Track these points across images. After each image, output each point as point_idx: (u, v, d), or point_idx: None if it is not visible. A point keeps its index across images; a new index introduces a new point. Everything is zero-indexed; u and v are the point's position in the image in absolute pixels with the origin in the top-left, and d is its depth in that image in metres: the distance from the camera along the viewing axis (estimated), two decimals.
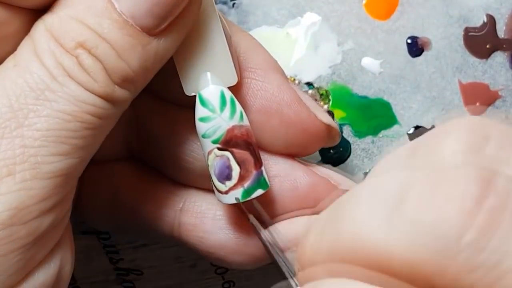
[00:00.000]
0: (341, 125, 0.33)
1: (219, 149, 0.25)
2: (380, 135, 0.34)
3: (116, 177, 0.29)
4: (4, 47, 0.23)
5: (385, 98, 0.33)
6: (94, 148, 0.23)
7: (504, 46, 0.33)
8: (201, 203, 0.28)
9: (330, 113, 0.32)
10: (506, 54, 0.33)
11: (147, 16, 0.22)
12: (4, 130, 0.21)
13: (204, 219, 0.28)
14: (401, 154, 0.19)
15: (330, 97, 0.32)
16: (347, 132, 0.33)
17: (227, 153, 0.25)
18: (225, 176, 0.25)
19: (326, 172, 0.28)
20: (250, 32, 0.33)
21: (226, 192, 0.25)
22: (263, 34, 0.33)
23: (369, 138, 0.34)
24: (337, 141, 0.29)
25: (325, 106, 0.32)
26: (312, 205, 0.27)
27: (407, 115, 0.33)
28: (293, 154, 0.28)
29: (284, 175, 0.27)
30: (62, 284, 0.24)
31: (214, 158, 0.25)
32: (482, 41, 0.33)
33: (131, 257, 0.35)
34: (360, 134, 0.33)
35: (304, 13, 0.33)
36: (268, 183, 0.26)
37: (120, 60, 0.22)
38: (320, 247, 0.18)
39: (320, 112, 0.27)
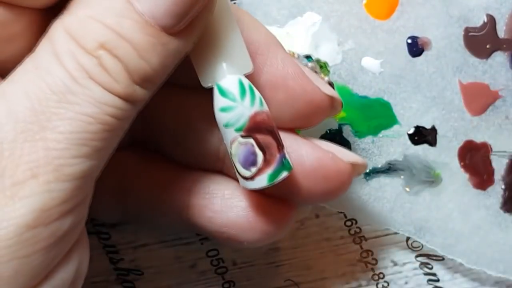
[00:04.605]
0: (341, 125, 0.33)
1: (242, 136, 0.25)
2: (380, 135, 0.34)
3: (122, 164, 0.29)
4: (11, 46, 0.23)
5: (385, 98, 0.33)
6: (111, 149, 0.24)
7: (504, 46, 0.33)
8: (208, 184, 0.29)
9: (331, 84, 0.32)
10: (506, 54, 0.33)
11: (166, 16, 0.22)
12: (27, 134, 0.21)
13: (213, 199, 0.28)
14: None
15: (329, 68, 0.32)
16: (347, 132, 0.33)
17: (251, 140, 0.25)
18: (250, 162, 0.25)
19: (331, 146, 0.28)
20: None
21: (252, 178, 0.25)
22: None
23: (369, 138, 0.34)
24: (340, 110, 0.29)
25: (326, 78, 0.32)
26: (319, 180, 0.27)
27: (407, 115, 0.33)
28: (298, 126, 0.28)
29: (291, 151, 0.27)
30: (79, 281, 0.25)
31: (238, 146, 0.25)
32: (482, 41, 0.33)
33: (131, 257, 0.35)
34: (360, 134, 0.33)
35: (304, 13, 0.33)
36: (291, 164, 0.26)
37: (141, 60, 0.22)
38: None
39: (322, 84, 0.28)
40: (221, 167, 0.29)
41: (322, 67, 0.32)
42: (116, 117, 0.22)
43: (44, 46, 0.23)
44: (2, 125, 0.22)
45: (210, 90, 0.25)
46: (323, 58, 0.33)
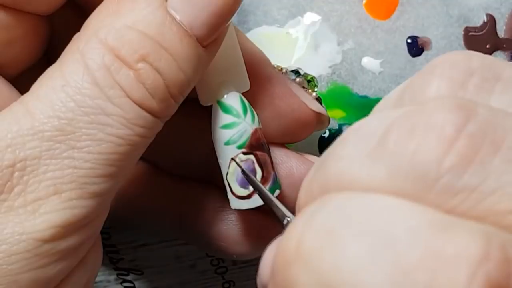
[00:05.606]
0: (341, 125, 0.33)
1: (244, 153, 0.25)
2: None
3: None
4: (13, 49, 0.23)
5: None
6: (133, 166, 0.23)
7: (504, 46, 0.33)
8: (199, 195, 0.28)
9: (318, 99, 0.32)
10: (506, 54, 0.33)
11: (204, 27, 0.22)
12: (54, 152, 0.21)
13: (204, 211, 0.28)
14: (391, 96, 0.19)
15: (317, 83, 0.32)
16: None
17: (252, 157, 0.25)
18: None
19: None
20: (250, 32, 0.33)
21: (249, 197, 0.25)
22: (263, 34, 0.33)
23: None
24: (327, 125, 0.29)
25: (313, 94, 0.31)
26: None
27: None
28: (285, 141, 0.28)
29: (280, 162, 0.27)
30: (92, 278, 0.25)
31: (239, 163, 0.25)
32: (482, 41, 0.33)
33: (131, 257, 0.35)
34: None
35: (304, 12, 0.33)
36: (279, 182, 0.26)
37: (181, 71, 0.22)
38: (311, 188, 0.18)
39: (310, 101, 0.28)
40: (212, 178, 0.29)
41: (310, 81, 0.32)
42: (145, 136, 0.22)
43: (73, 61, 0.22)
44: (27, 141, 0.21)
45: (200, 104, 0.25)
46: (323, 57, 0.33)
